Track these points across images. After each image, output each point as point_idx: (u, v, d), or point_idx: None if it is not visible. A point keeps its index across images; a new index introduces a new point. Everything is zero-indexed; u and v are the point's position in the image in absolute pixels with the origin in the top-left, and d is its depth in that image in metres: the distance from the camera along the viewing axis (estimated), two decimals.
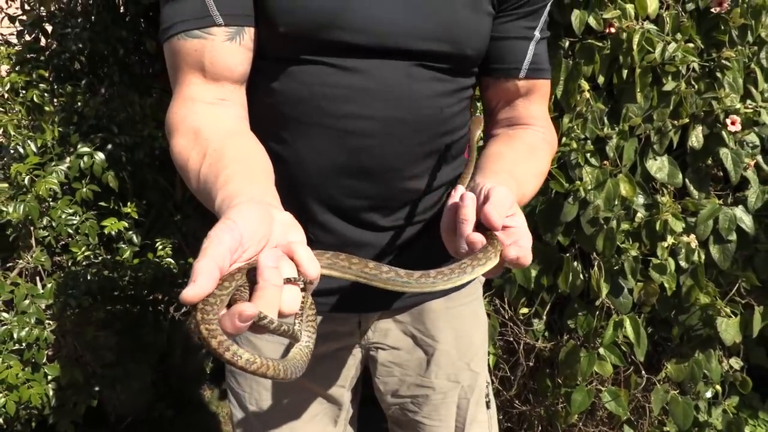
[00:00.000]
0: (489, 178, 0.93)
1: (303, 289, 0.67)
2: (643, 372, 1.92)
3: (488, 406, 1.33)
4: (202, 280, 0.60)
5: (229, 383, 1.25)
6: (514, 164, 1.03)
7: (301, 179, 1.05)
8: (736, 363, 1.96)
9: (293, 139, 1.03)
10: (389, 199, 1.09)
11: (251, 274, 0.64)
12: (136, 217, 2.21)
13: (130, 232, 2.20)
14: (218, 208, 0.78)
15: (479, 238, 0.80)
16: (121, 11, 2.35)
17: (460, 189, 0.91)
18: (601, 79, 1.72)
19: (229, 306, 0.63)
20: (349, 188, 1.06)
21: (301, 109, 1.00)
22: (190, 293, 0.60)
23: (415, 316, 1.23)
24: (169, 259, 2.26)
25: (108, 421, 2.41)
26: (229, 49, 0.96)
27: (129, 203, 2.19)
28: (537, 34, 1.09)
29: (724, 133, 1.75)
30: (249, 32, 0.97)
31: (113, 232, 2.13)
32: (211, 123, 0.94)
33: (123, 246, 2.19)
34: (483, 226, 0.82)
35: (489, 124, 1.15)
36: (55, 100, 2.21)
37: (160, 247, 2.26)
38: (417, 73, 1.01)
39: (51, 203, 2.01)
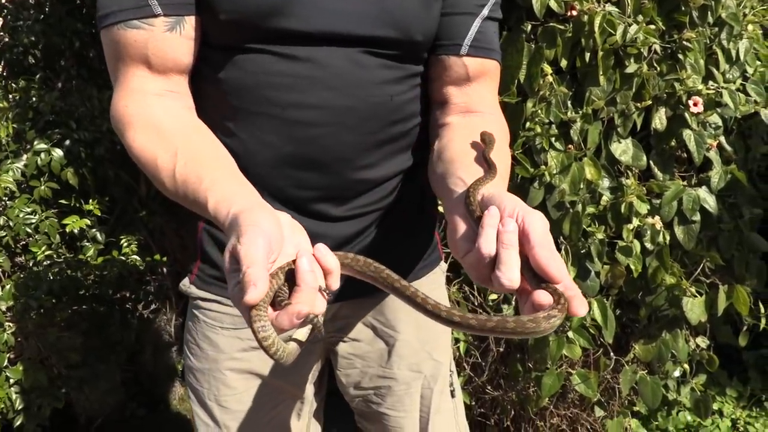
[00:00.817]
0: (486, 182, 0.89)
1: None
2: (612, 354, 1.93)
3: (453, 395, 1.31)
4: (261, 285, 0.66)
5: (188, 380, 1.22)
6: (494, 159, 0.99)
7: (249, 170, 1.01)
8: (702, 342, 1.98)
9: (239, 129, 1.00)
10: (341, 189, 1.06)
11: (289, 275, 0.72)
12: (99, 215, 2.16)
13: (94, 230, 2.16)
14: (214, 211, 0.81)
15: (547, 300, 0.69)
16: (77, 2, 2.28)
17: (492, 209, 0.77)
18: (563, 63, 1.71)
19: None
20: (298, 179, 1.03)
21: (246, 98, 0.98)
22: (255, 296, 0.66)
23: (375, 307, 1.21)
24: (135, 257, 2.21)
25: (78, 423, 2.36)
26: (171, 40, 0.93)
27: (91, 200, 2.14)
28: (485, 11, 1.06)
29: (686, 114, 1.75)
30: (190, 21, 0.94)
31: (75, 231, 2.08)
32: (169, 118, 0.93)
33: (86, 244, 2.15)
34: (527, 263, 0.73)
35: (441, 112, 1.10)
36: (9, 95, 2.14)
37: (126, 244, 2.22)
38: (364, 60, 0.98)
39: (7, 202, 1.95)
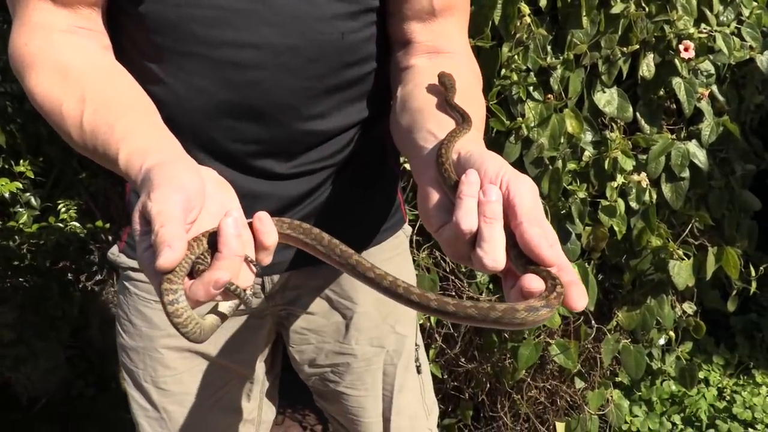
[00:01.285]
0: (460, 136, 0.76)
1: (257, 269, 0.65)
2: (593, 322, 1.82)
3: (419, 371, 1.22)
4: (178, 245, 0.58)
5: (122, 360, 1.12)
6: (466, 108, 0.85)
7: (178, 121, 0.90)
8: (689, 308, 1.88)
9: (165, 73, 0.90)
10: (287, 143, 0.96)
11: (212, 240, 0.62)
12: (34, 177, 1.97)
13: (28, 194, 1.98)
14: (125, 165, 0.72)
15: (538, 286, 0.58)
16: None
17: (471, 174, 0.65)
18: (543, 2, 1.56)
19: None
20: (235, 131, 0.93)
21: (170, 35, 0.86)
22: (170, 259, 0.57)
23: (328, 276, 1.10)
24: (75, 223, 2.03)
25: (20, 404, 2.20)
26: None
27: (22, 161, 1.95)
28: None
29: (676, 60, 1.62)
30: None
31: (6, 195, 1.89)
32: (78, 58, 0.83)
33: (20, 210, 1.97)
34: (512, 239, 0.62)
35: (404, 53, 0.97)
36: None
37: (64, 209, 2.03)
38: None
39: None
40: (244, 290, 0.62)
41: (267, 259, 0.66)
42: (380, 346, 1.15)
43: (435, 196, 0.70)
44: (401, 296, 0.64)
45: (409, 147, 0.84)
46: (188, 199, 0.62)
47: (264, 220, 0.65)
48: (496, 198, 0.62)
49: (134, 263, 1.07)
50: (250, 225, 0.65)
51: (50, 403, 2.24)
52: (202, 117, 0.91)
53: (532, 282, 0.58)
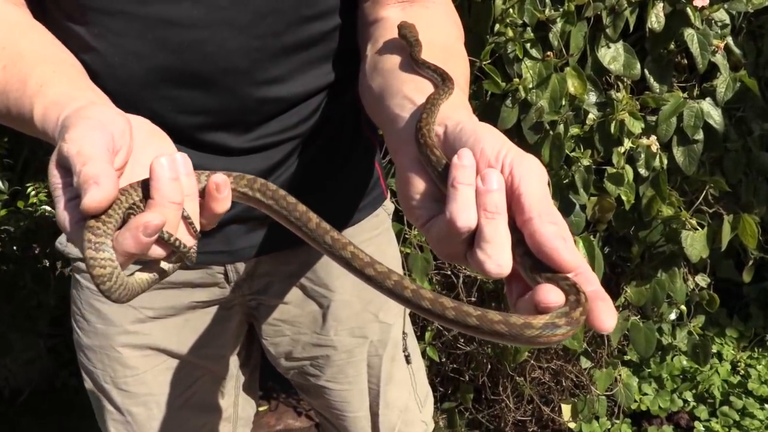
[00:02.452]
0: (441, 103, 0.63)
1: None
2: None
3: (408, 361, 1.14)
4: (106, 181, 0.49)
5: (79, 359, 1.06)
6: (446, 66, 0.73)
7: (113, 92, 0.78)
8: (702, 280, 1.77)
9: (93, 37, 0.80)
10: (241, 112, 0.87)
11: (146, 188, 0.53)
12: (1, 159, 1.86)
13: None
14: (41, 121, 0.61)
15: (557, 299, 0.47)
16: None
17: (464, 154, 0.53)
18: None
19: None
20: (178, 101, 0.84)
21: (96, 12, 0.77)
22: (97, 197, 0.49)
23: (301, 261, 1.01)
24: (46, 207, 1.91)
25: (2, 397, 2.13)
26: None
27: None
28: None
29: (688, 9, 1.49)
30: None
31: None
32: None
33: None
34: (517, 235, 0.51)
35: (372, 3, 0.84)
36: None
37: (33, 192, 1.91)
38: None
39: None
40: (184, 245, 0.53)
41: (210, 225, 0.58)
42: (362, 336, 1.07)
43: (418, 182, 0.57)
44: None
45: (382, 116, 0.71)
46: (111, 139, 0.54)
47: (221, 185, 0.56)
48: (498, 186, 0.50)
49: None
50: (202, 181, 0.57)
51: (33, 395, 2.16)
52: (139, 86, 0.82)
53: (550, 294, 0.47)
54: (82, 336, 1.03)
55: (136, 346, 1.01)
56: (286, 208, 0.59)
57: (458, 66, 0.74)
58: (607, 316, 0.47)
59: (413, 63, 0.69)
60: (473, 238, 0.50)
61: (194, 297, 1.00)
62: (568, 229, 0.50)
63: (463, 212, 0.50)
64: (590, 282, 0.48)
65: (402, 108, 0.66)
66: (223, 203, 0.56)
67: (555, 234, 0.48)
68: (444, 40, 0.77)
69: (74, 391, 2.22)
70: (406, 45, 0.71)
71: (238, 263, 0.98)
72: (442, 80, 0.66)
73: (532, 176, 0.50)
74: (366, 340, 1.08)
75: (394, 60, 0.74)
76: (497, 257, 0.48)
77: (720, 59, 1.55)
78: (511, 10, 1.43)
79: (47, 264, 2.03)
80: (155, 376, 1.04)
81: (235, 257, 0.96)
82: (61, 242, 1.03)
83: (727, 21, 1.55)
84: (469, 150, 0.52)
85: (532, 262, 0.49)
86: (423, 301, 0.50)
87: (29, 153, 2.03)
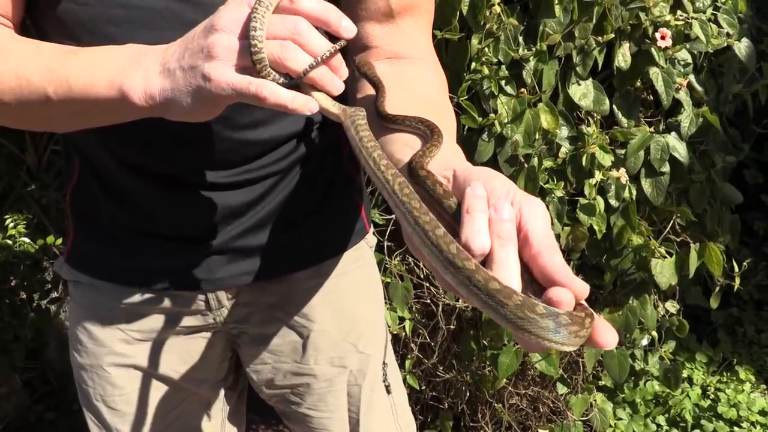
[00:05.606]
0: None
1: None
2: None
3: (389, 391, 1.14)
4: None
5: (75, 377, 1.08)
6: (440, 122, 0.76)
7: (95, 138, 0.85)
8: (672, 306, 1.82)
9: None
10: (221, 153, 0.87)
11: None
12: None
13: None
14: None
15: (568, 297, 0.50)
16: None
17: (476, 186, 0.57)
18: None
19: None
20: (158, 149, 0.86)
21: (83, 37, 0.78)
22: None
23: (282, 291, 1.02)
24: (25, 239, 1.90)
25: None
26: None
27: None
28: None
29: (653, 49, 1.55)
30: None
31: None
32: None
33: None
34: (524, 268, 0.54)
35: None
36: None
37: (12, 224, 1.89)
38: None
39: None
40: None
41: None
42: (342, 366, 1.07)
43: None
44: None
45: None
46: None
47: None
48: (509, 216, 0.53)
49: (78, 276, 1.01)
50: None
51: (7, 430, 2.11)
52: (122, 133, 0.81)
53: (561, 293, 0.49)
54: (76, 355, 1.05)
55: (123, 366, 1.02)
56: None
57: (450, 120, 0.78)
58: (608, 333, 0.51)
59: (390, 123, 0.71)
60: (486, 258, 0.53)
61: (178, 323, 1.01)
62: (566, 265, 0.53)
63: (478, 237, 0.52)
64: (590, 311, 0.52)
65: (404, 154, 0.68)
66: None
67: (563, 264, 0.52)
68: (431, 94, 0.80)
69: (49, 424, 2.17)
70: (374, 98, 0.74)
71: (219, 292, 0.99)
72: (430, 132, 0.68)
73: (539, 216, 0.54)
74: (345, 369, 1.08)
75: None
76: (509, 281, 0.51)
77: (683, 96, 1.61)
78: (486, 49, 1.47)
79: (24, 297, 2.01)
80: (141, 396, 1.05)
81: (216, 286, 0.97)
82: (58, 264, 1.06)
83: (689, 60, 1.60)
84: (482, 184, 0.56)
85: (538, 287, 0.52)
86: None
87: (7, 185, 2.02)
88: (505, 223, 0.53)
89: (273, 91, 0.61)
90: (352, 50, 0.87)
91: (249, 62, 0.61)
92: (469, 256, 0.51)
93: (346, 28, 0.64)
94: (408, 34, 0.84)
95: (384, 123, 0.72)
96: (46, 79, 0.70)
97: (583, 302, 0.52)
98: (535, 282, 0.53)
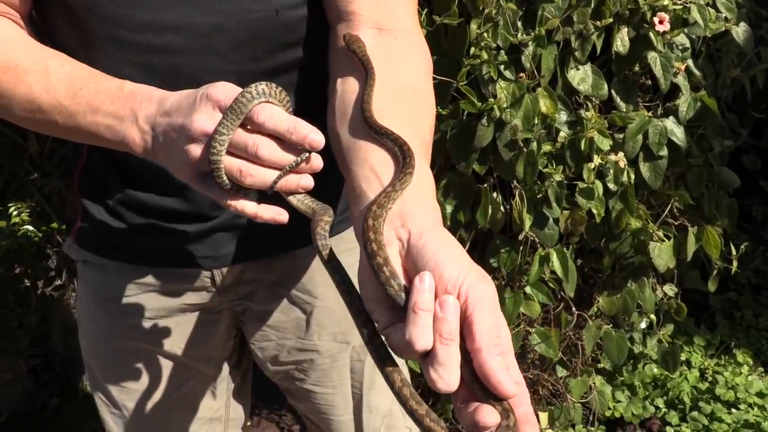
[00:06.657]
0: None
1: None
2: (574, 308, 1.77)
3: None
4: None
5: (84, 355, 1.12)
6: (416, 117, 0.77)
7: None
8: (670, 290, 1.83)
9: (93, 64, 0.83)
10: None
11: None
12: None
13: None
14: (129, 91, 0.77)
15: (493, 420, 0.54)
16: None
17: (426, 278, 0.57)
18: None
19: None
20: None
21: (89, 20, 0.81)
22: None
23: (285, 268, 1.04)
24: (29, 227, 1.92)
25: None
26: None
27: None
28: None
29: (651, 34, 1.55)
30: None
31: None
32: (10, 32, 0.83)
33: None
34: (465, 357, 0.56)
35: (348, 27, 0.84)
36: None
37: (15, 212, 1.91)
38: None
39: None
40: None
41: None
42: (345, 341, 1.10)
43: (375, 290, 0.60)
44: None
45: (348, 181, 0.71)
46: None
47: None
48: (454, 316, 0.55)
49: (87, 256, 1.03)
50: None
51: (13, 417, 2.13)
52: None
53: (488, 417, 0.53)
54: (83, 334, 1.09)
55: (131, 344, 1.05)
56: None
57: (425, 114, 0.77)
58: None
59: (372, 131, 0.70)
60: (428, 354, 0.55)
61: (185, 300, 1.04)
62: (512, 352, 0.55)
63: (421, 338, 0.54)
64: (524, 404, 0.55)
65: (368, 183, 0.68)
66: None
67: (500, 367, 0.53)
68: (414, 83, 0.78)
69: (54, 411, 2.20)
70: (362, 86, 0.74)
71: (224, 268, 1.01)
72: (402, 157, 0.66)
73: (485, 305, 0.55)
74: (348, 345, 1.11)
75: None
76: (447, 378, 0.54)
77: (681, 80, 1.61)
78: (485, 34, 1.48)
79: (29, 284, 2.03)
80: (148, 374, 1.07)
81: (221, 262, 1.00)
82: (67, 245, 1.08)
83: (688, 45, 1.61)
84: (430, 274, 0.56)
85: (476, 378, 0.55)
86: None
87: (8, 175, 2.03)
88: (449, 323, 0.54)
89: (243, 204, 0.72)
90: (336, 20, 0.84)
91: (209, 170, 0.68)
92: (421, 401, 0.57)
93: (314, 140, 0.67)
94: (393, 7, 0.82)
95: (365, 127, 0.72)
96: (56, 111, 0.77)
97: (507, 404, 0.55)
98: (475, 377, 0.55)
